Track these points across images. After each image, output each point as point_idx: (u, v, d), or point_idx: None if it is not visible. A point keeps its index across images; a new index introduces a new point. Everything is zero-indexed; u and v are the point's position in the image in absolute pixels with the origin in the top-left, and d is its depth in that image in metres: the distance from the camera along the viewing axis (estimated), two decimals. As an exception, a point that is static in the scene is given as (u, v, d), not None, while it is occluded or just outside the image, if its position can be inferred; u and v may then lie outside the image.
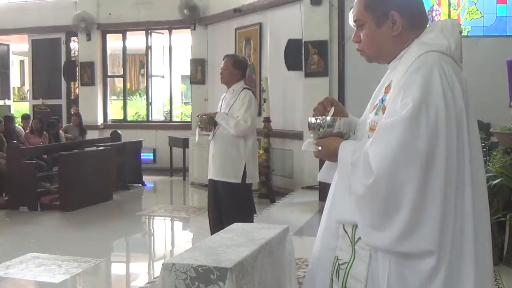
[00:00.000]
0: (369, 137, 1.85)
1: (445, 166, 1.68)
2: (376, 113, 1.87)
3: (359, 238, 1.82)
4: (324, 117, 1.91)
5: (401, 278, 1.72)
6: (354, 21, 1.95)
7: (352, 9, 1.98)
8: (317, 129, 1.90)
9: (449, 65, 1.76)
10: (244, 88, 5.01)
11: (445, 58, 1.79)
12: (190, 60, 11.86)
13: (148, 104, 12.85)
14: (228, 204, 4.92)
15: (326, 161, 2.07)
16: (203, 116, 4.99)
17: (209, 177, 5.09)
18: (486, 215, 1.82)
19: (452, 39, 1.84)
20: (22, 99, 18.66)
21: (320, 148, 1.93)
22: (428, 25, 1.92)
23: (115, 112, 13.84)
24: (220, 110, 5.06)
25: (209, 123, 4.93)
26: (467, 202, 1.72)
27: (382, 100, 1.87)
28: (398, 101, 1.72)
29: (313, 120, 1.92)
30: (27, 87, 16.68)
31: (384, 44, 1.90)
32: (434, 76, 1.71)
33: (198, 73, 11.71)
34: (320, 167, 2.13)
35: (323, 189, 7.16)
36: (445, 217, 1.69)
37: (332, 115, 1.94)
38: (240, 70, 5.06)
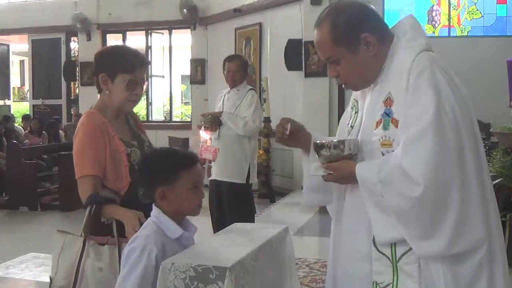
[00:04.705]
0: (382, 153, 1.82)
1: (473, 156, 1.73)
2: (385, 128, 1.83)
3: (402, 255, 1.79)
4: (330, 140, 1.89)
5: (455, 278, 1.74)
6: (327, 59, 1.91)
7: (317, 47, 1.92)
8: (326, 149, 1.86)
9: (438, 60, 1.81)
10: (250, 89, 5.02)
11: (431, 55, 1.82)
12: (190, 60, 11.86)
13: (148, 104, 12.84)
14: (232, 205, 4.87)
15: (305, 186, 2.08)
16: (208, 116, 4.91)
17: (211, 178, 5.00)
18: (495, 201, 1.88)
19: (423, 34, 1.90)
20: (22, 99, 18.67)
21: (331, 172, 1.89)
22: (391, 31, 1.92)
23: (115, 112, 13.82)
24: (222, 109, 5.00)
25: (214, 122, 4.85)
26: (487, 188, 1.79)
27: (387, 114, 1.83)
28: (413, 109, 1.74)
29: (319, 142, 1.89)
30: (27, 87, 16.69)
31: (366, 68, 1.87)
32: (437, 76, 1.75)
33: (198, 73, 11.71)
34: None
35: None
36: (484, 205, 1.74)
37: (290, 130, 1.99)
38: (247, 71, 5.13)
